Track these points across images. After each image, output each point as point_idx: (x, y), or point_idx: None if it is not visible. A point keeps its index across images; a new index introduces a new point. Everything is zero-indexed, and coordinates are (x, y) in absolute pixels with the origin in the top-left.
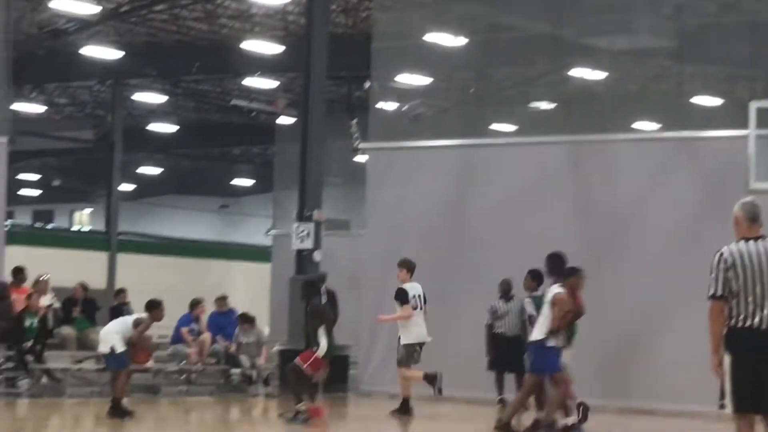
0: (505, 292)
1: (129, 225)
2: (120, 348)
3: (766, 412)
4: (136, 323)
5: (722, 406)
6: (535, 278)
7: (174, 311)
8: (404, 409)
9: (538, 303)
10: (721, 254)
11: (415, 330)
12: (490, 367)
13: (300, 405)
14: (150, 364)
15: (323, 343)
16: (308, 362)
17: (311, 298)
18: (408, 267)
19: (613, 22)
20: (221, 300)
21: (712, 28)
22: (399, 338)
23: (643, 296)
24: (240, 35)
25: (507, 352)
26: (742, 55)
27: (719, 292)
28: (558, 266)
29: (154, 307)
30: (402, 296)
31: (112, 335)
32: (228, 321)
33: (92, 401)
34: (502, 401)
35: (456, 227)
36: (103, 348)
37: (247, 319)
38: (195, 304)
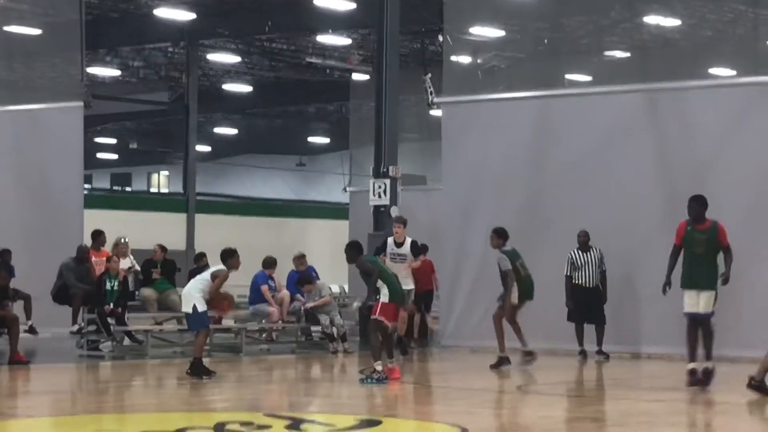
0: (583, 243)
1: (206, 186)
2: (201, 307)
3: None
4: (214, 276)
5: None
6: (501, 236)
7: (253, 270)
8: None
9: (510, 257)
10: None
11: None
12: (570, 317)
13: (377, 364)
14: (233, 313)
15: (384, 289)
16: (378, 312)
17: (356, 258)
18: (405, 224)
19: None
20: (300, 258)
21: None
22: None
23: None
24: None
25: (586, 302)
26: None
27: None
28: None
29: (229, 256)
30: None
31: (194, 295)
32: None
33: (174, 362)
34: (582, 352)
35: (533, 179)
36: (186, 307)
37: (305, 281)
38: (269, 264)
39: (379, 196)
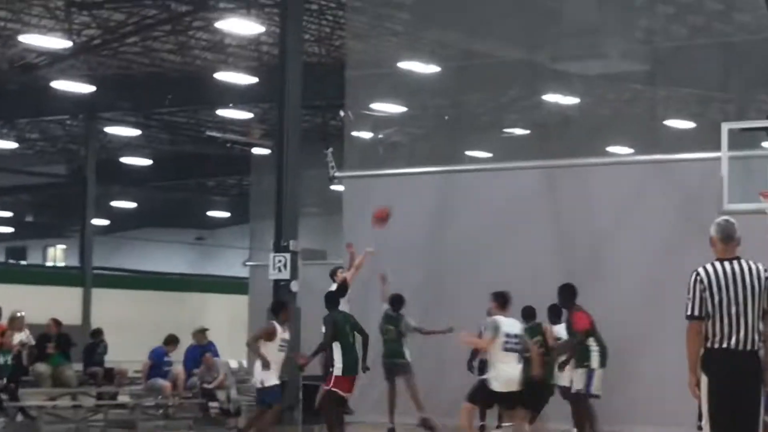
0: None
1: (104, 260)
2: (269, 382)
3: None
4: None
5: (700, 428)
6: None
7: (151, 345)
8: None
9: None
10: (697, 274)
11: None
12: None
13: None
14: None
15: (338, 358)
16: (332, 384)
17: (330, 310)
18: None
19: (584, 46)
20: (200, 333)
21: (684, 51)
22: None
23: (621, 319)
24: (213, 66)
25: None
26: (714, 78)
27: (696, 312)
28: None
29: (279, 309)
30: None
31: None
32: None
33: None
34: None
35: (435, 254)
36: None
37: (207, 359)
38: (170, 341)
39: (279, 270)
